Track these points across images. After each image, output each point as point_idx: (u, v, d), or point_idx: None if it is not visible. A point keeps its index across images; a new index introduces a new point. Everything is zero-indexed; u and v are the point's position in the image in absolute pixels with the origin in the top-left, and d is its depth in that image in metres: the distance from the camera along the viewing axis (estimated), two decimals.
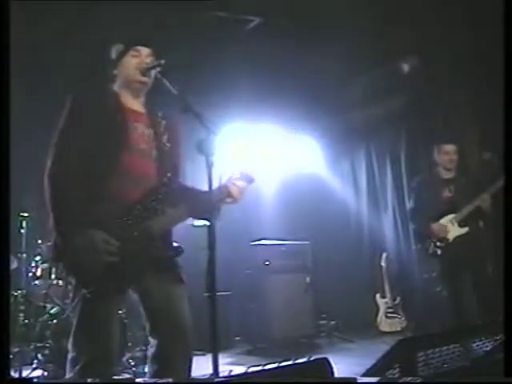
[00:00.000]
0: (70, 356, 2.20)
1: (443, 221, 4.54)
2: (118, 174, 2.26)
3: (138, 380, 3.96)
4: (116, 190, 2.25)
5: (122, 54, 2.46)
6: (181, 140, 2.55)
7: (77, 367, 2.16)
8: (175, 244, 2.40)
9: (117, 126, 2.33)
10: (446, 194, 4.61)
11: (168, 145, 2.45)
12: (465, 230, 4.50)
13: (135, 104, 2.46)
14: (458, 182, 4.60)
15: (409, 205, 5.03)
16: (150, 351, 2.34)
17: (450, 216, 4.53)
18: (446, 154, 4.65)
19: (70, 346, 2.22)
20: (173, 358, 2.29)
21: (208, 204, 2.14)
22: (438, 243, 4.54)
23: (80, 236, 2.13)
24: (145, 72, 2.40)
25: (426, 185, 4.78)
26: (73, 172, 2.22)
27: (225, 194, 2.38)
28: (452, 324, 4.59)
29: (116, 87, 2.47)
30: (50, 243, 5.06)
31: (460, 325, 4.38)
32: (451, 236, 4.51)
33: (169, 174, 2.39)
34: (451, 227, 4.52)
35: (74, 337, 2.22)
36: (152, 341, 2.34)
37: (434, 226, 4.54)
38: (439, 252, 4.55)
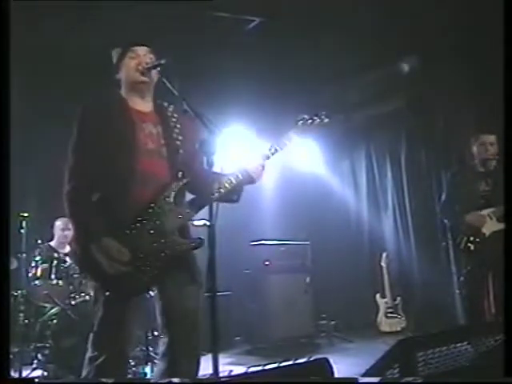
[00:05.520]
0: (88, 354, 2.27)
1: (480, 213, 4.26)
2: (129, 178, 2.30)
3: (137, 380, 3.97)
4: (129, 193, 2.30)
5: (120, 58, 2.48)
6: (195, 130, 2.53)
7: (95, 363, 2.22)
8: (194, 237, 2.42)
9: (124, 130, 2.36)
10: (483, 187, 4.32)
11: (180, 138, 2.46)
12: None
13: (142, 104, 2.48)
14: (496, 176, 4.21)
15: (441, 198, 4.67)
16: (161, 349, 2.37)
17: (489, 210, 4.24)
18: (487, 146, 4.34)
19: (89, 345, 2.29)
20: (181, 356, 2.31)
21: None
22: (472, 238, 4.23)
23: (95, 245, 2.21)
24: (144, 71, 2.41)
25: (461, 178, 4.49)
26: (90, 191, 2.31)
27: (246, 177, 2.42)
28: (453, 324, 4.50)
29: (123, 91, 2.49)
30: (50, 243, 5.08)
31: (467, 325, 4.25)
32: (488, 230, 4.21)
33: (183, 170, 2.40)
34: (489, 221, 4.22)
35: (95, 337, 2.29)
36: (162, 338, 2.37)
37: (470, 217, 4.25)
38: (472, 247, 4.23)
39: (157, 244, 2.28)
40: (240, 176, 2.42)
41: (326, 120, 2.55)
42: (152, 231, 2.28)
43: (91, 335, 2.30)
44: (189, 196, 2.47)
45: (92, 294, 2.37)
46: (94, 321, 2.30)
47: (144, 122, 2.42)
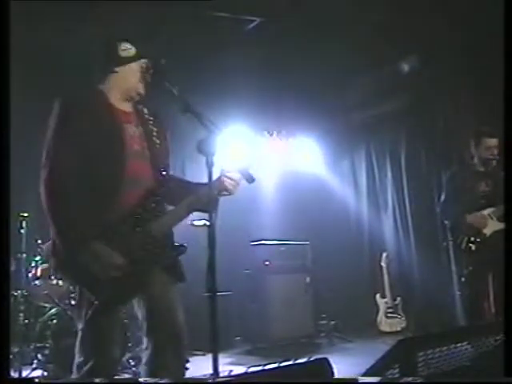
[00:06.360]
0: (76, 361, 2.23)
1: (481, 214, 4.28)
2: (116, 179, 2.25)
3: (138, 380, 3.97)
4: (116, 195, 2.24)
5: (131, 59, 2.39)
6: (168, 135, 2.55)
7: (83, 370, 2.18)
8: (178, 243, 2.39)
9: (110, 129, 2.30)
10: (483, 187, 4.34)
11: (158, 141, 2.44)
12: None
13: (123, 104, 2.42)
14: (496, 176, 4.22)
15: (441, 198, 4.66)
16: (145, 353, 2.32)
17: (489, 210, 4.26)
18: (489, 149, 4.35)
19: (76, 352, 2.24)
20: (167, 360, 2.28)
21: (206, 197, 2.13)
22: (473, 238, 4.24)
23: (84, 250, 2.12)
24: (146, 85, 2.39)
25: (460, 178, 4.48)
26: (71, 180, 2.19)
27: (220, 186, 2.33)
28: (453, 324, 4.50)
29: (105, 85, 2.41)
30: (49, 243, 5.06)
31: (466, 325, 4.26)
32: (489, 230, 4.22)
33: (164, 173, 2.38)
34: (490, 221, 4.23)
35: (81, 343, 2.24)
36: (146, 342, 2.33)
37: (471, 218, 4.27)
38: (473, 248, 4.24)
39: (144, 249, 2.23)
40: (215, 187, 2.29)
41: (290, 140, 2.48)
42: (139, 236, 2.24)
43: (77, 341, 2.25)
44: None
45: (77, 297, 2.27)
46: (79, 326, 2.24)
47: (127, 123, 2.38)
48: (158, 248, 2.28)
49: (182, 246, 2.35)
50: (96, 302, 2.14)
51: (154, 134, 2.44)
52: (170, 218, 2.35)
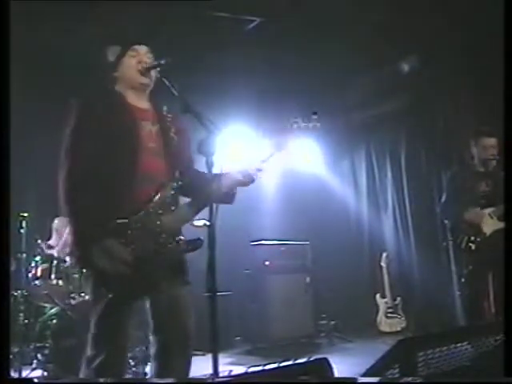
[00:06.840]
0: (88, 354, 2.25)
1: (479, 210, 4.28)
2: (132, 176, 2.28)
3: (137, 380, 3.97)
4: (130, 191, 2.27)
5: (120, 56, 2.46)
6: (188, 132, 2.57)
7: (93, 365, 2.20)
8: (192, 237, 2.39)
9: (126, 126, 2.34)
10: (483, 187, 4.35)
11: (175, 138, 2.46)
12: None
13: (140, 102, 2.47)
14: (496, 176, 4.22)
15: (441, 198, 4.66)
16: (152, 350, 2.35)
17: (489, 209, 4.25)
18: (488, 149, 4.35)
19: (88, 346, 2.26)
20: (173, 358, 2.30)
21: (220, 190, 2.19)
22: (473, 237, 4.24)
23: (97, 246, 2.16)
24: (144, 72, 2.41)
25: (460, 178, 4.49)
26: (88, 178, 2.22)
27: (236, 179, 2.38)
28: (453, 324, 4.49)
29: (119, 88, 2.47)
30: (49, 242, 5.06)
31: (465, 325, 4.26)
32: (489, 230, 4.21)
33: (179, 170, 2.40)
34: (490, 220, 4.22)
35: (94, 338, 2.25)
36: (153, 340, 2.35)
37: (470, 215, 4.26)
38: (473, 247, 4.24)
39: (157, 245, 2.26)
40: (234, 178, 2.37)
41: (318, 124, 2.50)
42: (152, 232, 2.26)
43: (90, 336, 2.27)
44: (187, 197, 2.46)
45: (90, 292, 2.31)
46: (92, 320, 2.27)
47: (143, 120, 2.41)
48: (172, 244, 2.29)
49: (198, 239, 2.34)
50: (110, 296, 2.17)
51: (173, 130, 2.47)
52: (183, 213, 2.36)
